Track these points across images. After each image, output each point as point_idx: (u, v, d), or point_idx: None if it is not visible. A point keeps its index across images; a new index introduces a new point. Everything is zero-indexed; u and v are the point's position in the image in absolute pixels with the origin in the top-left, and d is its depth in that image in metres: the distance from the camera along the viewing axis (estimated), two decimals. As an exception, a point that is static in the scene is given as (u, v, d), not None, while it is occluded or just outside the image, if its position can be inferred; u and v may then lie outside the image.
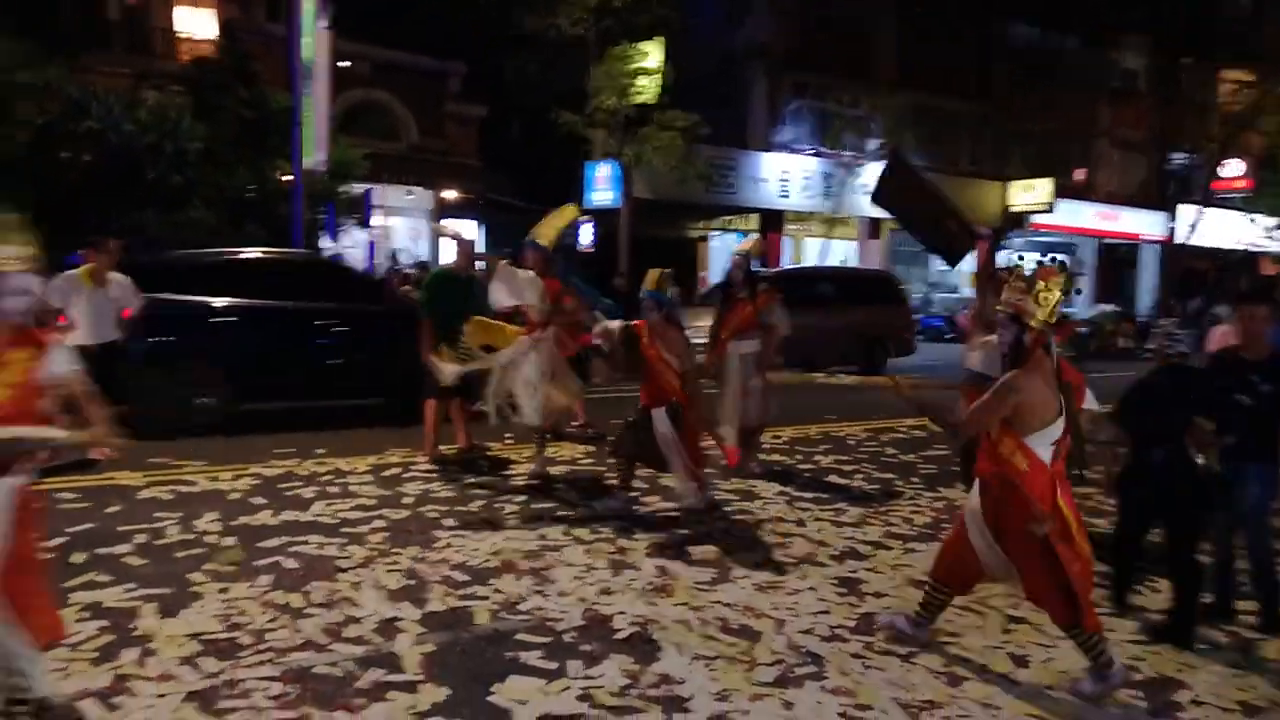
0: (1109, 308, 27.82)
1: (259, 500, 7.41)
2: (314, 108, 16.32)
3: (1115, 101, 34.05)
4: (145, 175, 15.60)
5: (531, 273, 7.96)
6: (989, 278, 9.74)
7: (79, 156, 15.74)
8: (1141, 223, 35.23)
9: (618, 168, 22.53)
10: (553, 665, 4.62)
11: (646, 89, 21.26)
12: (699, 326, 10.09)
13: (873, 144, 25.10)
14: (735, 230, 27.29)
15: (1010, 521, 4.40)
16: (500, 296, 8.00)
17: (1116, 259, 36.30)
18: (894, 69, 27.39)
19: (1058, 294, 4.27)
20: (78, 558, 5.89)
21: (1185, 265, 32.84)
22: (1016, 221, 31.38)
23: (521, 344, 7.89)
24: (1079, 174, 33.61)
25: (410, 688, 4.32)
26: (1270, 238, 32.06)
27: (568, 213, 8.53)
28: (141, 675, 4.32)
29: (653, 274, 7.39)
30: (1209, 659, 5.06)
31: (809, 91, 27.60)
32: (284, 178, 16.97)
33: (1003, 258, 27.97)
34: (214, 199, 16.39)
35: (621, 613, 5.35)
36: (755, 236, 10.26)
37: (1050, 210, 30.73)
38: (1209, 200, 33.00)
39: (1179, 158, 35.61)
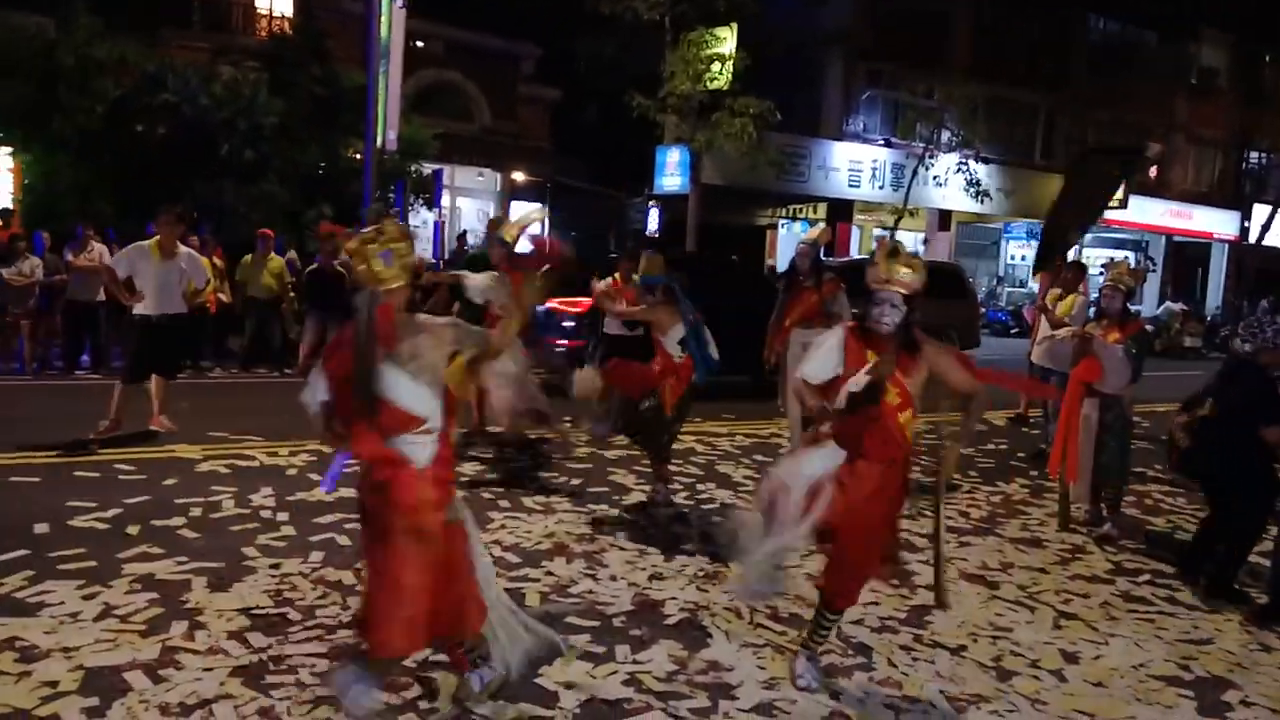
0: (1177, 306, 27.07)
1: (315, 476, 7.45)
2: (387, 86, 16.39)
3: (1193, 97, 33.14)
4: (219, 149, 15.78)
5: (496, 275, 7.71)
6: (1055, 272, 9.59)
7: (154, 129, 15.95)
8: (1214, 221, 34.30)
9: (688, 153, 22.37)
10: (601, 649, 4.60)
11: (720, 75, 21.10)
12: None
13: (945, 135, 24.63)
14: (803, 219, 27.02)
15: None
16: (474, 294, 7.90)
17: (1187, 257, 35.39)
18: (969, 59, 26.86)
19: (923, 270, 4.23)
20: (133, 529, 5.97)
21: (1257, 265, 31.85)
22: (1090, 217, 30.73)
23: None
24: (1153, 170, 32.79)
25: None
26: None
27: (534, 213, 8.33)
28: (189, 648, 4.35)
29: (645, 260, 7.23)
30: (1260, 659, 5.04)
31: (883, 80, 27.21)
32: (355, 155, 17.09)
33: (1075, 254, 27.45)
34: (287, 174, 16.54)
35: (672, 598, 5.33)
36: (822, 226, 10.17)
37: (1123, 206, 29.97)
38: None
39: (1256, 156, 34.58)
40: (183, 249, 8.80)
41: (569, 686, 4.20)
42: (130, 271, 8.47)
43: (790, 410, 8.61)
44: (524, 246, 4.17)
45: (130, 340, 8.82)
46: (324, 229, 13.15)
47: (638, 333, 11.02)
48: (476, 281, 7.91)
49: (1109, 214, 30.31)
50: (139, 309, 8.56)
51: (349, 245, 3.58)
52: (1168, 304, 28.10)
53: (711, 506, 7.24)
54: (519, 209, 23.81)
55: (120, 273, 8.46)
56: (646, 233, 25.02)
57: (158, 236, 8.57)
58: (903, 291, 4.07)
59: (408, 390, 3.50)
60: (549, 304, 12.02)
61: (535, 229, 4.39)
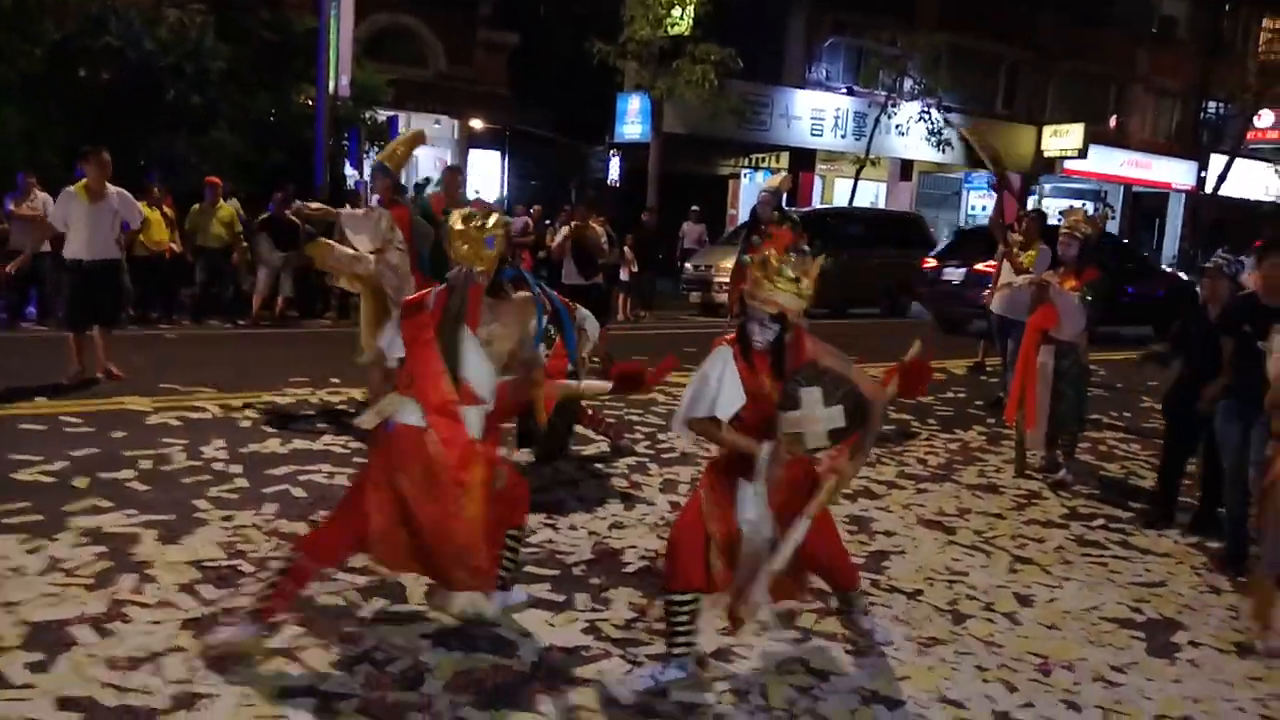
0: (1134, 255, 27.36)
1: (269, 429, 7.35)
2: (338, 31, 16.02)
3: (1153, 47, 33.23)
4: (165, 96, 15.37)
5: (375, 208, 7.58)
6: (1001, 225, 9.66)
7: (98, 74, 15.49)
8: (1172, 171, 34.54)
9: (649, 101, 22.15)
10: (560, 598, 4.58)
11: (681, 20, 20.85)
12: (726, 267, 9.94)
13: (908, 84, 24.52)
14: (766, 168, 26.89)
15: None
16: (361, 245, 7.52)
17: (1145, 207, 35.71)
18: (934, 7, 26.73)
19: (816, 275, 3.65)
20: (80, 482, 5.83)
21: (1213, 215, 32.23)
22: (1048, 166, 30.84)
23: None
24: (1112, 120, 32.95)
25: (415, 618, 4.27)
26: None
27: (418, 136, 8.11)
28: (138, 601, 4.26)
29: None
30: (1210, 601, 5.13)
31: (847, 28, 27.01)
32: (307, 102, 16.74)
33: (1037, 203, 27.60)
34: (237, 122, 16.17)
35: (632, 546, 5.33)
36: (784, 174, 10.08)
37: (1083, 156, 30.11)
38: (1241, 151, 32.32)
39: (1214, 106, 34.86)
40: (112, 189, 8.53)
41: (527, 635, 4.17)
42: (64, 219, 8.28)
43: None
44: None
45: (65, 286, 8.63)
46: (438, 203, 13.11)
47: (596, 280, 10.97)
48: (351, 217, 7.65)
49: (1068, 163, 30.54)
50: (70, 253, 8.38)
51: (453, 224, 3.87)
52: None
53: (672, 455, 7.23)
54: (477, 158, 23.53)
55: (59, 226, 8.27)
56: (608, 182, 24.81)
57: (85, 179, 8.34)
58: (771, 311, 3.64)
59: (478, 369, 3.80)
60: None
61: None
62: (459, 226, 3.83)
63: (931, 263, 16.89)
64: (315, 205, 8.66)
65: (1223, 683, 4.21)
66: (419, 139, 8.05)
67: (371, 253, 7.39)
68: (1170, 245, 35.26)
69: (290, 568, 3.81)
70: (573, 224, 10.71)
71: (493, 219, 3.88)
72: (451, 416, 3.76)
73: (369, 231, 7.45)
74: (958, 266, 15.68)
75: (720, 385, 3.66)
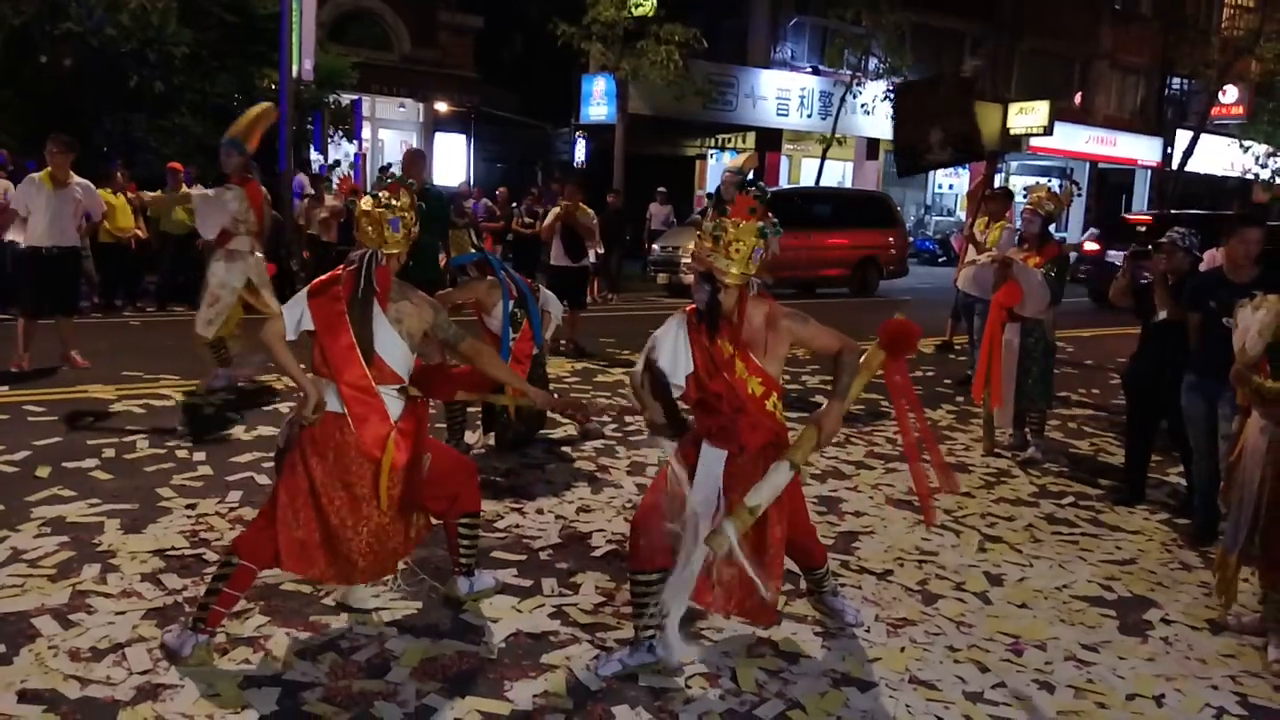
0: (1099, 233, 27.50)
1: (232, 415, 7.27)
2: (301, 13, 15.83)
3: (1116, 23, 33.39)
4: (128, 81, 15.17)
5: (227, 187, 7.37)
6: (980, 200, 9.66)
7: (59, 60, 15.28)
8: (1138, 148, 34.74)
9: (614, 82, 22.06)
10: (528, 583, 4.56)
11: (644, 2, 20.75)
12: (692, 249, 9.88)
13: (873, 63, 24.50)
14: (732, 148, 26.86)
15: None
16: (210, 228, 7.43)
17: (1110, 184, 35.91)
18: (896, -15, 26.78)
19: (751, 241, 3.59)
20: (42, 471, 5.78)
21: (1178, 192, 32.44)
22: (1014, 144, 30.95)
23: (215, 256, 7.44)
24: (1077, 97, 33.11)
25: (380, 606, 4.23)
26: (1264, 165, 31.64)
27: (269, 111, 7.83)
28: (102, 592, 4.23)
29: (452, 237, 7.02)
30: (1181, 578, 5.13)
31: (810, 7, 26.97)
32: (270, 86, 16.55)
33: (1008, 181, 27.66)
34: (200, 106, 15.98)
35: (599, 530, 5.31)
36: (749, 153, 10.04)
37: (1048, 133, 30.22)
38: (1206, 127, 32.52)
39: (1178, 83, 35.01)
40: (76, 179, 8.47)
41: (495, 621, 4.15)
42: (27, 206, 8.17)
43: None
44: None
45: (23, 273, 8.52)
46: (345, 185, 12.93)
47: (583, 264, 10.94)
48: (203, 199, 7.48)
49: (1034, 140, 30.66)
50: (30, 240, 8.29)
51: (362, 205, 3.89)
52: (1092, 230, 28.52)
53: (640, 438, 7.21)
54: (442, 141, 23.35)
55: (20, 211, 8.15)
56: (574, 164, 24.72)
57: (49, 167, 8.24)
58: (699, 269, 3.65)
59: (393, 347, 3.80)
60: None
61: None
62: (365, 207, 3.85)
63: (1094, 246, 18.68)
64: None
65: (1196, 660, 4.20)
66: (270, 114, 7.85)
67: (218, 236, 7.33)
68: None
69: (230, 573, 3.73)
70: (562, 205, 10.69)
71: (401, 201, 3.88)
72: (366, 393, 3.74)
73: (219, 212, 7.32)
74: (1120, 250, 15.96)
75: (663, 345, 3.69)
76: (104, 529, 4.94)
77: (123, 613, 4.03)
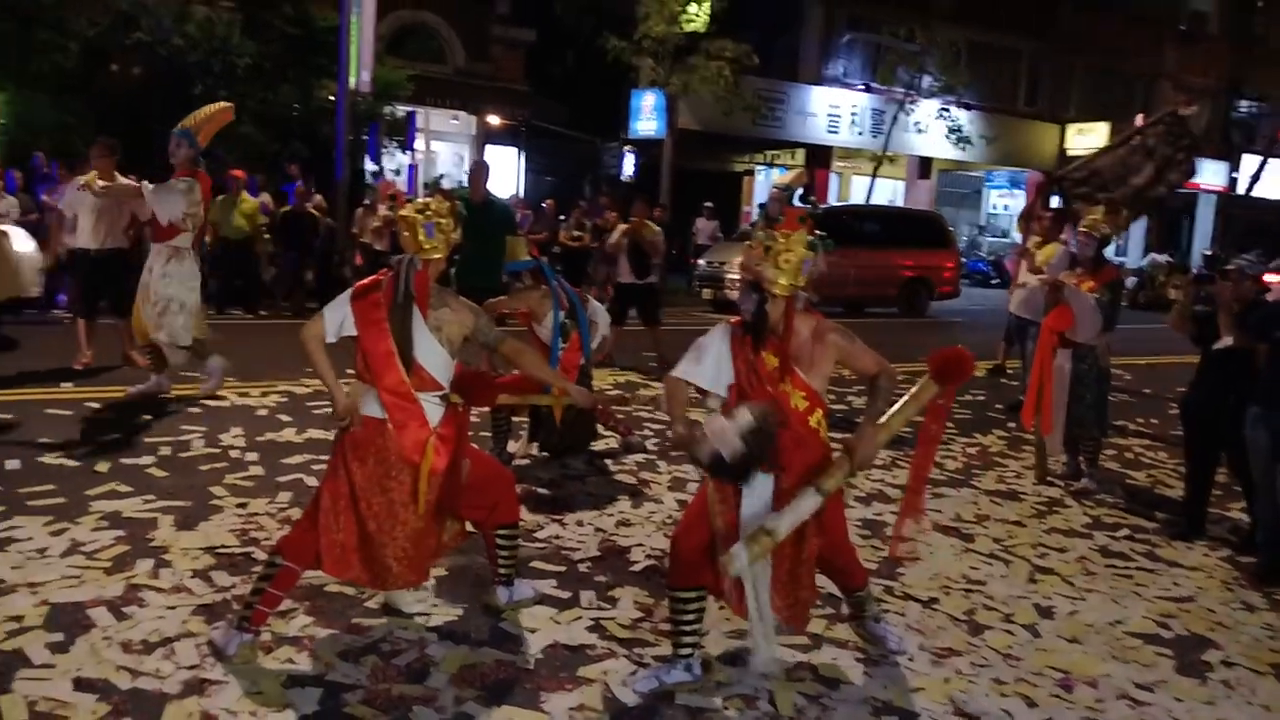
0: (1161, 258, 27.02)
1: (285, 417, 7.41)
2: (360, 27, 16.14)
3: (1181, 44, 32.87)
4: (193, 90, 15.52)
5: (180, 180, 7.47)
6: (1032, 219, 9.52)
7: (129, 70, 15.71)
8: (1202, 172, 34.15)
9: (663, 97, 22.14)
10: (566, 595, 4.58)
11: (696, 16, 20.80)
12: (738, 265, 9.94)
13: (926, 80, 24.36)
14: (780, 165, 26.84)
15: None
16: (170, 214, 7.51)
17: (1173, 208, 35.31)
18: (951, 1, 26.63)
19: (801, 252, 3.58)
20: (102, 467, 5.95)
21: (1246, 218, 31.81)
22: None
23: (157, 253, 7.56)
24: (1139, 118, 32.59)
25: (422, 611, 4.28)
26: (1334, 191, 30.98)
27: (227, 110, 8.01)
28: (154, 586, 4.33)
29: (509, 244, 6.91)
30: (1243, 619, 4.92)
31: (863, 23, 26.91)
32: (328, 97, 16.85)
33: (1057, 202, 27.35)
34: (261, 115, 16.30)
35: (639, 545, 5.32)
36: (799, 169, 10.02)
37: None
38: (1275, 151, 31.88)
39: (1245, 105, 34.37)
40: (122, 180, 8.63)
41: (533, 631, 4.19)
42: (73, 208, 8.39)
43: None
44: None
45: (74, 275, 8.72)
46: (385, 189, 13.15)
47: (649, 281, 11.03)
48: (159, 189, 7.57)
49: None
50: (78, 243, 8.49)
51: (401, 211, 3.90)
52: (1153, 255, 28.07)
53: (681, 453, 7.20)
54: (493, 154, 23.56)
55: (67, 213, 8.37)
56: (622, 178, 24.81)
57: (94, 170, 8.44)
58: (748, 278, 3.64)
59: (433, 355, 3.82)
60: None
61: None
62: (406, 213, 3.88)
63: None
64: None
65: (1260, 706, 4.02)
66: (226, 114, 8.01)
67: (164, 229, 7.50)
68: (1200, 248, 34.86)
69: (274, 574, 3.81)
70: (631, 219, 10.85)
71: (436, 206, 3.89)
72: (406, 398, 3.78)
73: (173, 202, 7.41)
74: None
75: (705, 356, 3.72)
76: (158, 525, 5.07)
77: (173, 607, 4.13)
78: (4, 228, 9.23)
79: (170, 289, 7.54)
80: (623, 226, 11.14)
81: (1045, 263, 8.96)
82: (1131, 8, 29.93)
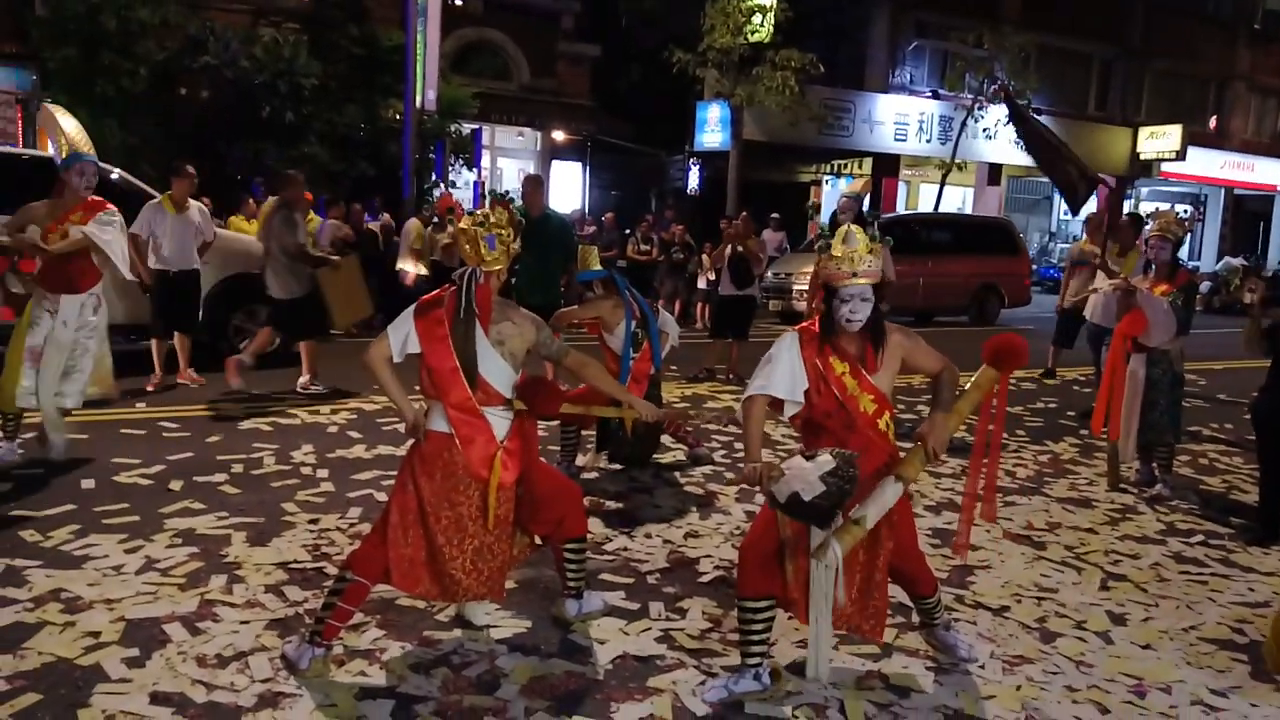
0: (1236, 261, 26.38)
1: (355, 434, 7.51)
2: (425, 45, 16.36)
3: (1255, 43, 32.13)
4: (260, 111, 15.85)
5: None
6: (1101, 227, 9.33)
7: (197, 92, 16.07)
8: (1278, 173, 33.33)
9: (728, 109, 22.13)
10: (635, 606, 4.57)
11: (761, 27, 20.78)
12: (806, 272, 9.95)
13: (991, 87, 24.07)
14: (848, 174, 26.68)
15: None
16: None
17: (1248, 211, 34.47)
18: (1020, 6, 26.28)
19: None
20: (175, 485, 6.07)
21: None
22: (1145, 169, 30.01)
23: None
24: (1212, 121, 31.91)
25: (492, 623, 4.30)
26: None
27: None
28: (228, 601, 4.40)
29: (581, 252, 6.77)
30: None
31: (930, 30, 26.66)
32: (394, 116, 17.09)
33: (1133, 206, 26.85)
34: (327, 135, 16.60)
35: (707, 556, 5.30)
36: (865, 178, 9.98)
37: (1181, 158, 29.25)
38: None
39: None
40: (193, 203, 8.91)
41: (602, 642, 4.18)
42: (150, 230, 8.59)
43: None
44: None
45: (152, 295, 8.94)
46: (444, 203, 13.40)
47: (749, 293, 11.03)
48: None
49: (1166, 166, 29.68)
50: (156, 264, 8.68)
51: (460, 224, 3.88)
52: (1227, 259, 27.45)
53: (751, 488, 7.17)
54: (559, 169, 23.73)
55: (142, 234, 8.56)
56: (688, 191, 24.83)
57: (170, 191, 8.65)
58: (869, 281, 3.67)
59: (497, 370, 3.83)
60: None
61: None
62: (465, 226, 3.85)
63: None
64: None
65: None
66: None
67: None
68: (1276, 250, 34.01)
69: (345, 588, 3.83)
70: (735, 237, 10.97)
71: (497, 218, 3.88)
72: (472, 414, 3.79)
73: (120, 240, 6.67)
74: None
75: (778, 366, 3.70)
76: (231, 541, 5.15)
77: (246, 622, 4.19)
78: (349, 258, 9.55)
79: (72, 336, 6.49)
80: (729, 245, 11.09)
81: (1129, 272, 8.78)
82: (1204, 9, 29.32)
